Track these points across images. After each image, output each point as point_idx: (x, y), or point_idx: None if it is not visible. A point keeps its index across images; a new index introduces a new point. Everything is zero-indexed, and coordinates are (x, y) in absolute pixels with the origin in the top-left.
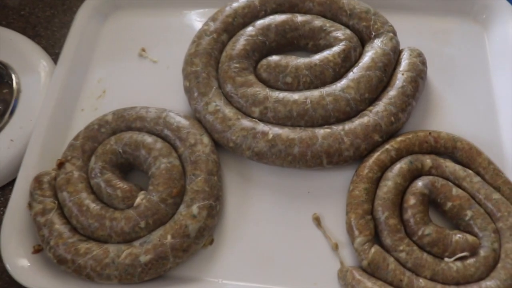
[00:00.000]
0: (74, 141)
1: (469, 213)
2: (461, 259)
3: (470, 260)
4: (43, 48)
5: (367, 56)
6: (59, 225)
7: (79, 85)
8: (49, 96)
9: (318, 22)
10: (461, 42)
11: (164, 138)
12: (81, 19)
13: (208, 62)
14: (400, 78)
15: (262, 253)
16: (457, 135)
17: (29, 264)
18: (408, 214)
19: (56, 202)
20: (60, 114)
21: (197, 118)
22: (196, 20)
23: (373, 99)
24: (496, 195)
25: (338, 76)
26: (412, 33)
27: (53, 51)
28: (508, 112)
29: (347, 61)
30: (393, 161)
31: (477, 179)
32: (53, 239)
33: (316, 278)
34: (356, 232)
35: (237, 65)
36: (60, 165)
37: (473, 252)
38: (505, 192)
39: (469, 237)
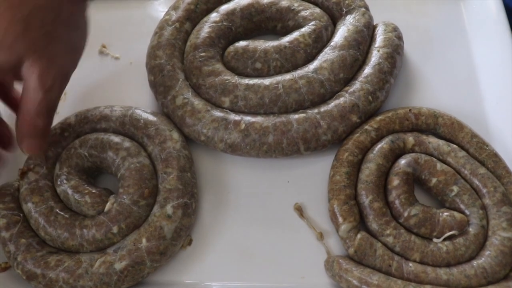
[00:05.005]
0: None
1: (455, 188)
2: (451, 238)
3: (460, 239)
4: None
5: (340, 34)
6: (26, 239)
7: None
8: None
9: (285, 2)
10: (437, 12)
11: (132, 137)
12: None
13: (172, 54)
14: (376, 55)
15: (244, 250)
16: (439, 110)
17: None
18: (393, 195)
19: (21, 214)
20: None
21: (165, 114)
22: (159, 10)
23: (349, 79)
24: (481, 170)
25: (310, 57)
26: (386, 6)
27: None
28: (490, 82)
29: (319, 41)
30: (374, 142)
31: (462, 153)
32: (20, 254)
33: (303, 271)
34: (340, 219)
35: (203, 54)
36: (23, 175)
37: (462, 230)
38: (489, 165)
39: (457, 215)
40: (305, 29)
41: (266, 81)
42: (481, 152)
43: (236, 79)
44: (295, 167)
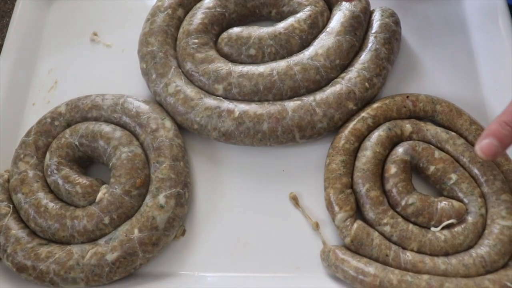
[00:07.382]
0: (26, 137)
1: (453, 176)
2: (449, 227)
3: (458, 228)
4: None
5: (336, 20)
6: (16, 230)
7: (27, 78)
8: None
9: None
10: None
11: (124, 126)
12: (23, 6)
13: (164, 41)
14: (373, 41)
15: (239, 240)
16: (437, 96)
17: None
18: (390, 184)
19: (11, 205)
20: (9, 111)
21: (157, 102)
22: None
23: (345, 65)
24: None
25: (306, 44)
26: None
27: None
28: (489, 68)
29: (314, 27)
30: (371, 129)
31: (460, 141)
32: (10, 246)
33: (298, 262)
34: (336, 208)
35: (196, 40)
36: None
37: (460, 218)
38: None
39: (455, 203)
40: (300, 15)
41: (261, 68)
42: None
43: (229, 66)
44: (291, 155)
